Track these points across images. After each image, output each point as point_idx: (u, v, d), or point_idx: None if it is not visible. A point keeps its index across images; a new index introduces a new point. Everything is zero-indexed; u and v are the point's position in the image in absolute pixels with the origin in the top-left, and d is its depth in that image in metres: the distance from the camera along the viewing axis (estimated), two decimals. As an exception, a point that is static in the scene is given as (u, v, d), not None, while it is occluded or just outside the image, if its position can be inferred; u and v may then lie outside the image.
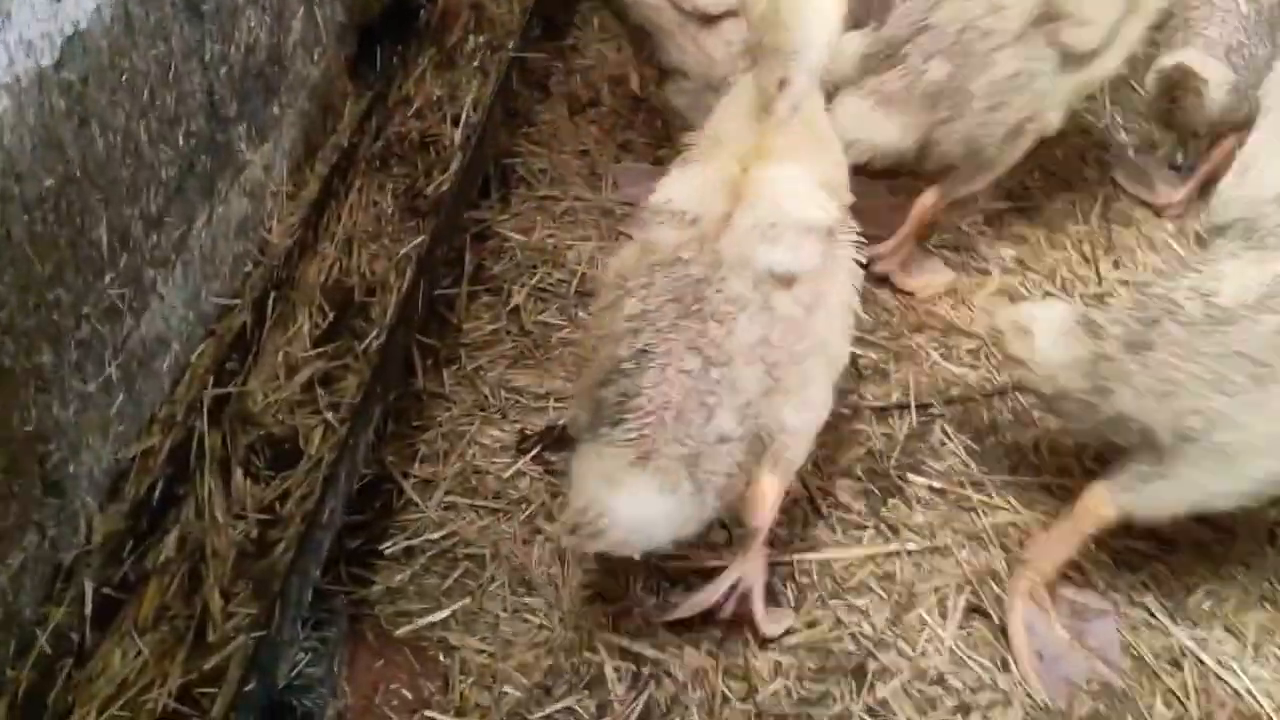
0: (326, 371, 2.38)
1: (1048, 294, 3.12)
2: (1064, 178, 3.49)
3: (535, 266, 3.11)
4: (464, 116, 2.87)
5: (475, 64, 3.16)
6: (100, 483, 1.90)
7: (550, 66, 3.77)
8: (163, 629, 1.94)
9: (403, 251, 2.53)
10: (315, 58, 2.57)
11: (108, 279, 1.80)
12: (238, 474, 2.15)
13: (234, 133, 2.21)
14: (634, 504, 1.96)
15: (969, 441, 2.74)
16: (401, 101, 2.99)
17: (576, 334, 2.93)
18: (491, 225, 3.18)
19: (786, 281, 2.03)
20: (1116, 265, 3.22)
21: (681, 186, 2.12)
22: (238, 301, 2.30)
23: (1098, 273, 3.19)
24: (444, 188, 2.65)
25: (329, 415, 2.28)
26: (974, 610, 2.42)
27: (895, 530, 2.55)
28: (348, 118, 2.77)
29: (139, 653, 1.89)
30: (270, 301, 2.38)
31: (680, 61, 3.07)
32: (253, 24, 2.17)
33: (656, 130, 3.58)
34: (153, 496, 2.00)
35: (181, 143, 1.98)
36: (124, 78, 1.75)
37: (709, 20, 2.96)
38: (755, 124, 2.11)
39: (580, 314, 2.98)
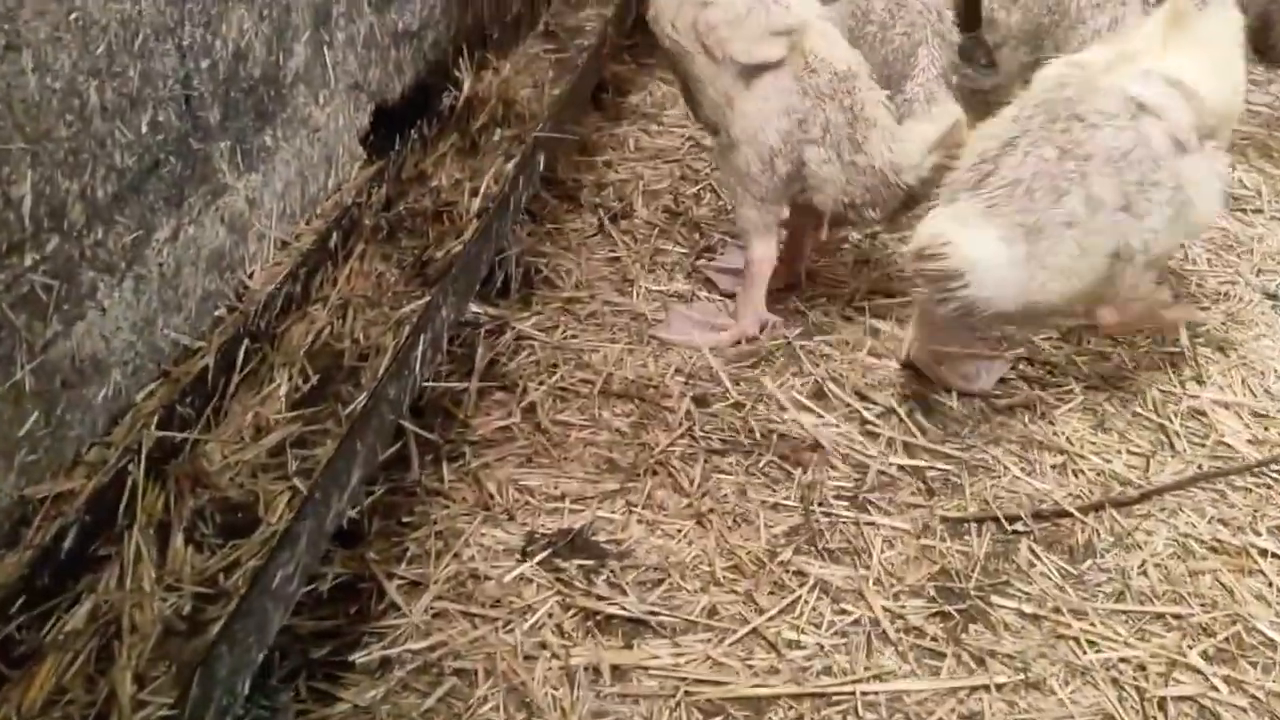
0: (302, 436, 1.99)
1: (1136, 414, 2.73)
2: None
3: (556, 365, 2.77)
4: (484, 188, 2.59)
5: (499, 153, 2.91)
6: (-6, 521, 1.51)
7: (581, 180, 3.55)
8: (54, 717, 1.50)
9: (406, 309, 2.19)
10: (320, 100, 2.33)
11: (28, 258, 1.47)
12: (177, 539, 1.75)
13: (214, 147, 1.93)
14: (975, 240, 2.34)
15: (1063, 563, 2.30)
16: (416, 179, 2.73)
17: (600, 435, 2.56)
18: (509, 322, 2.86)
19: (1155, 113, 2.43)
20: (1206, 382, 2.83)
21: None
22: (202, 345, 1.96)
23: (1183, 389, 2.81)
24: (456, 251, 2.32)
25: (298, 482, 1.88)
26: (1086, 761, 1.93)
27: (980, 661, 2.08)
28: (355, 180, 2.51)
29: (15, 746, 1.45)
30: (242, 353, 2.03)
31: (714, 119, 2.82)
32: (245, 25, 1.92)
33: (694, 242, 3.32)
34: (61, 549, 1.59)
35: (145, 130, 1.70)
36: (74, 18, 1.48)
37: (747, 73, 2.71)
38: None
39: (604, 415, 2.62)
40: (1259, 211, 3.64)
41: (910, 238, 2.52)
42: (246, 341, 2.03)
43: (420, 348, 2.10)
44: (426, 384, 2.45)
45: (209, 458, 1.91)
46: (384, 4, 2.65)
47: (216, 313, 2.03)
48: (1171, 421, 2.70)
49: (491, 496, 2.37)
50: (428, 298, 2.23)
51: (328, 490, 1.74)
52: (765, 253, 2.86)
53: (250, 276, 2.13)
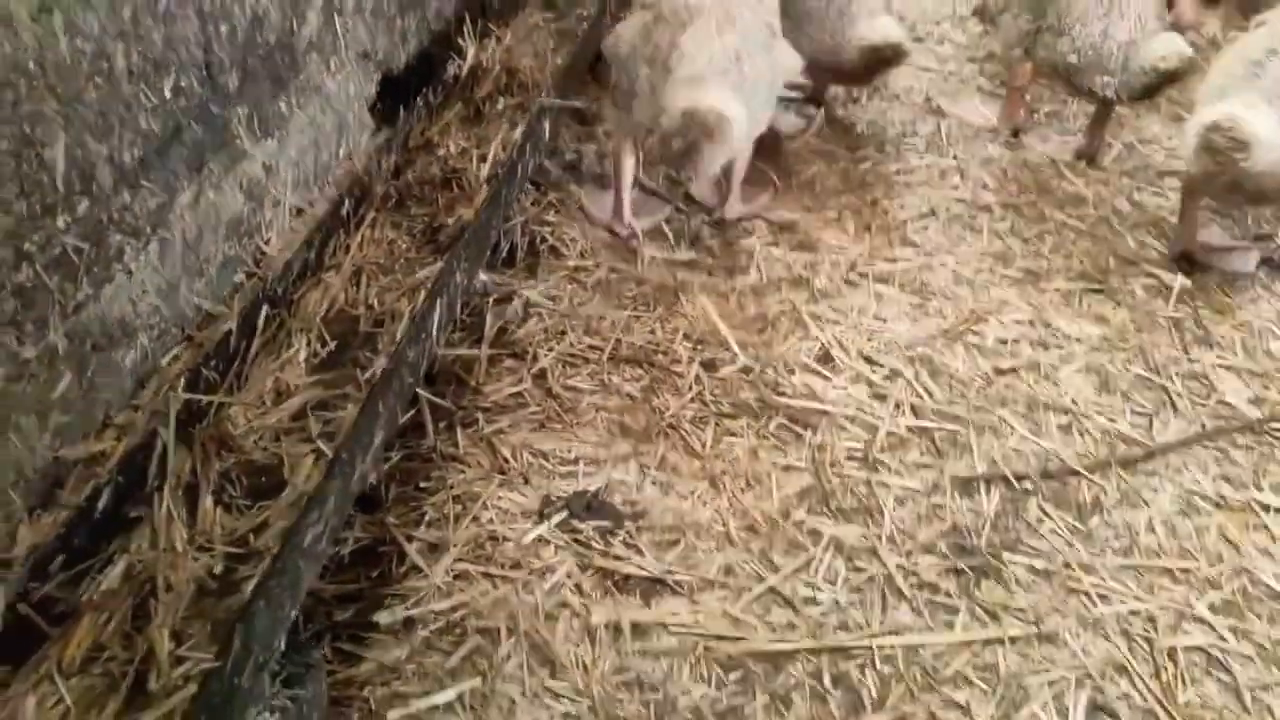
0: (322, 400, 2.01)
1: (1138, 375, 2.77)
2: (1137, 262, 3.19)
3: (564, 332, 2.78)
4: (492, 155, 2.60)
5: (504, 121, 2.91)
6: (31, 481, 1.52)
7: (582, 151, 3.56)
8: (94, 673, 1.52)
9: (419, 275, 2.20)
10: (332, 67, 2.33)
11: (60, 221, 1.48)
12: (207, 500, 1.77)
13: (233, 113, 1.93)
14: (1259, 120, 2.77)
15: (1072, 520, 2.34)
16: (423, 147, 2.74)
17: (611, 400, 2.58)
18: (517, 290, 2.87)
19: None
20: (1209, 345, 2.88)
21: None
22: (224, 309, 1.96)
23: (1186, 352, 2.84)
24: (467, 218, 2.33)
25: (322, 444, 1.90)
26: (1098, 709, 1.97)
27: (994, 615, 2.12)
28: (365, 148, 2.51)
29: (59, 700, 1.47)
30: (262, 318, 2.04)
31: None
32: (263, -9, 1.92)
33: (695, 209, 3.33)
34: (95, 510, 1.61)
35: (168, 95, 1.70)
36: (103, -18, 1.48)
37: None
38: None
39: (614, 380, 2.64)
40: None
41: (1190, 122, 2.92)
42: (266, 307, 2.04)
43: (437, 313, 2.12)
44: (439, 351, 2.47)
45: (233, 421, 1.92)
46: (390, -29, 2.65)
47: (236, 278, 2.04)
48: (1174, 382, 2.74)
49: (506, 461, 2.39)
50: (442, 263, 2.24)
51: (353, 452, 1.76)
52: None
53: (267, 243, 2.14)
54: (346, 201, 2.40)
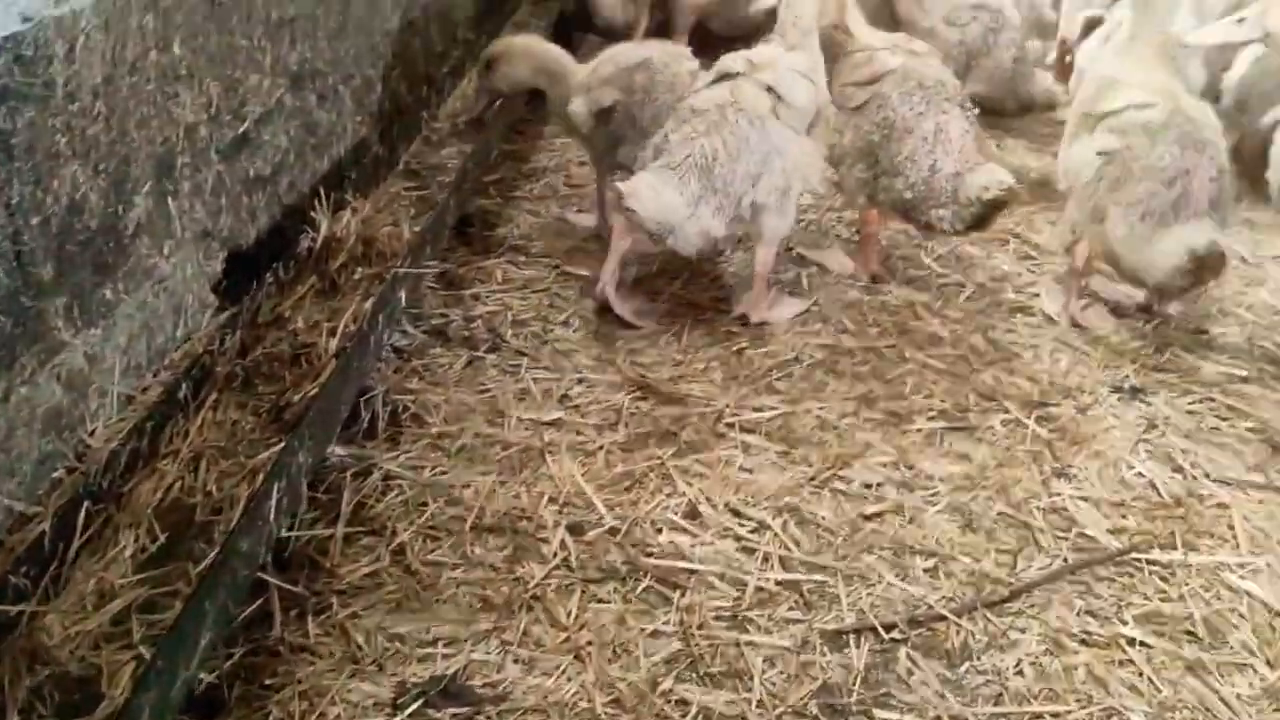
0: (149, 600, 1.90)
1: (1001, 512, 2.79)
2: (995, 398, 3.26)
3: (426, 504, 2.71)
4: (341, 328, 2.56)
5: (359, 292, 2.89)
6: None
7: (449, 315, 3.54)
8: None
9: (261, 457, 2.12)
10: (166, 250, 2.28)
11: None
12: (10, 723, 1.63)
13: (49, 304, 1.87)
14: None
15: (942, 669, 2.31)
16: (273, 322, 2.69)
17: (473, 573, 2.51)
18: (377, 462, 2.80)
19: None
20: (1067, 477, 2.93)
21: None
22: (39, 510, 1.86)
23: (1046, 485, 2.89)
24: (312, 394, 2.28)
25: (145, 650, 1.79)
26: None
27: (867, 777, 2.06)
28: (207, 328, 2.45)
29: None
30: (83, 515, 1.94)
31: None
32: (79, 180, 1.89)
33: (563, 367, 3.33)
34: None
35: (-31, 287, 1.64)
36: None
37: None
38: None
39: (477, 551, 2.57)
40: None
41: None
42: (88, 503, 1.94)
43: (274, 497, 2.04)
44: (291, 533, 2.38)
45: (48, 631, 1.80)
46: (233, 152, 2.65)
47: (54, 475, 1.94)
48: (1035, 517, 2.77)
49: (360, 648, 2.28)
50: (282, 444, 2.17)
51: (172, 657, 1.65)
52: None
53: (91, 434, 2.05)
54: (185, 385, 2.32)
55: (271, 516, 2.03)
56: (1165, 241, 3.35)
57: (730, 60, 3.62)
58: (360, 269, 3.04)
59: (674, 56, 3.98)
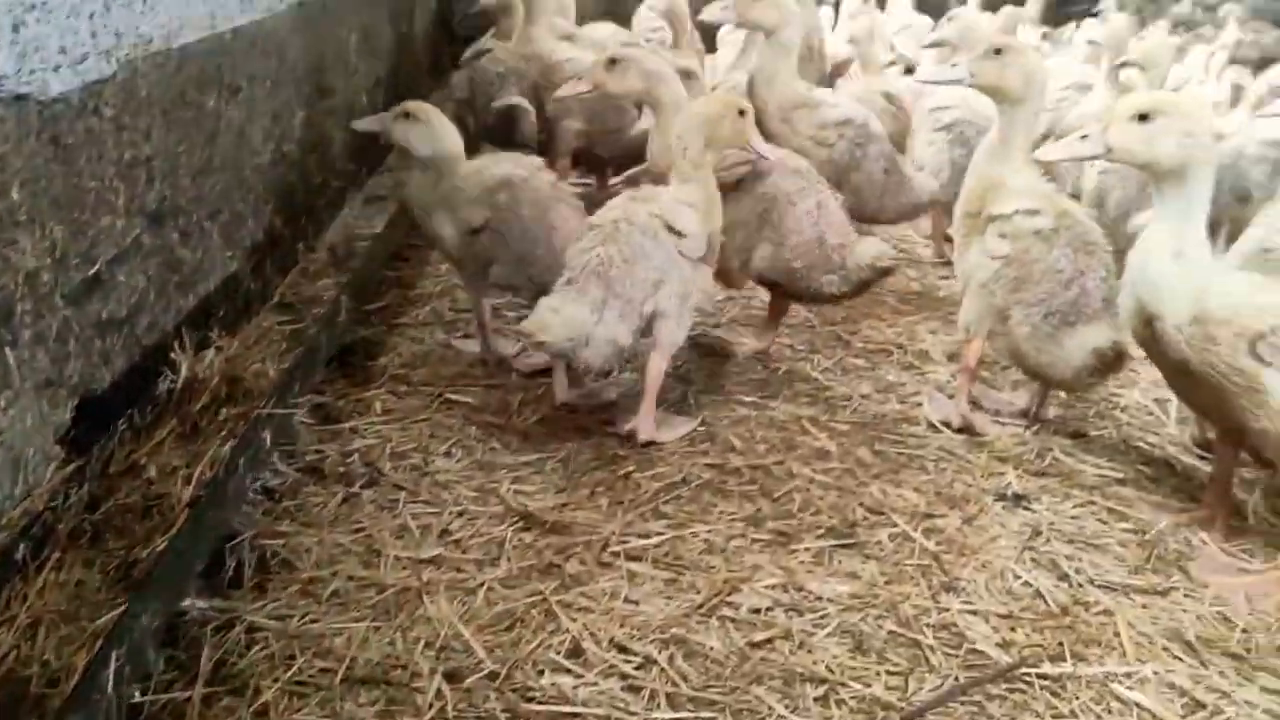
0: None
1: (891, 632, 2.75)
2: (883, 512, 3.25)
3: (293, 657, 2.56)
4: (197, 475, 2.44)
5: (222, 435, 2.77)
6: None
7: (324, 451, 3.43)
8: None
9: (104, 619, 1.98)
10: (3, 403, 2.16)
11: None
12: None
13: None
14: None
15: (833, 805, 2.22)
16: (126, 471, 2.56)
17: (342, 730, 2.36)
18: (241, 614, 2.65)
19: None
20: (955, 591, 2.90)
21: None
22: None
23: (935, 600, 2.86)
24: (161, 548, 2.14)
25: None
26: None
27: None
28: (50, 482, 2.31)
29: None
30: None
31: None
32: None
33: (444, 500, 3.22)
34: None
35: None
36: None
37: None
38: None
39: (346, 707, 2.42)
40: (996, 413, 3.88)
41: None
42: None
43: (112, 664, 1.89)
44: (145, 698, 2.22)
45: None
46: (82, 295, 2.54)
47: None
48: (925, 634, 2.73)
49: (214, 824, 2.11)
50: (123, 606, 2.03)
51: None
52: None
53: (-95, 610, 1.89)
54: (23, 545, 2.17)
55: (110, 686, 1.88)
56: (1070, 341, 3.49)
57: (614, 203, 3.65)
58: (224, 410, 2.93)
59: (532, 169, 3.99)
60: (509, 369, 4.02)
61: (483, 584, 2.86)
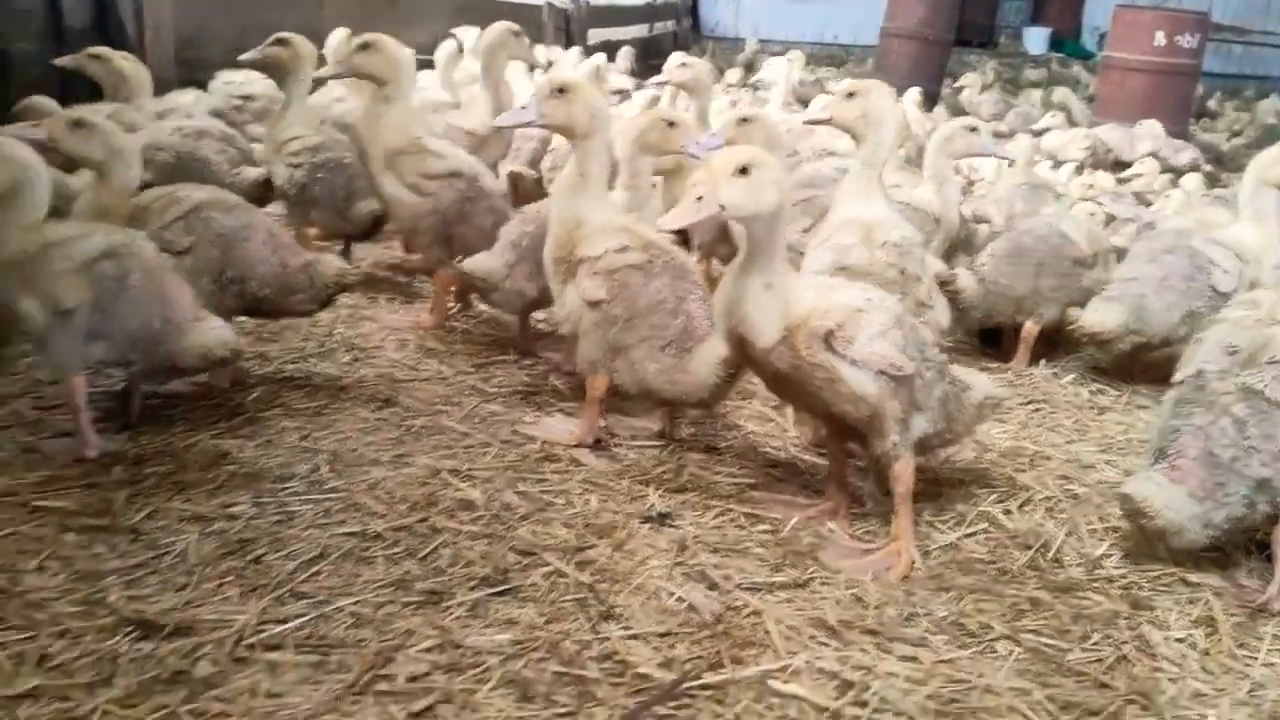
0: None
1: (556, 672, 2.67)
2: (535, 551, 3.18)
3: None
4: None
5: None
6: None
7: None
8: None
9: None
10: None
11: None
12: None
13: None
14: None
15: None
16: None
17: None
18: None
19: None
20: (613, 618, 2.88)
21: None
22: None
23: (596, 631, 2.82)
24: None
25: None
26: None
27: None
28: None
29: None
30: None
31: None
32: None
33: (38, 622, 2.78)
34: None
35: None
36: None
37: None
38: None
39: None
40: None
41: None
42: None
43: None
44: None
45: None
46: None
47: None
48: (589, 669, 2.68)
49: None
50: None
51: None
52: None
53: None
54: None
55: None
56: (694, 363, 3.65)
57: None
58: None
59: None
60: (110, 465, 3.58)
61: (95, 709, 2.48)
